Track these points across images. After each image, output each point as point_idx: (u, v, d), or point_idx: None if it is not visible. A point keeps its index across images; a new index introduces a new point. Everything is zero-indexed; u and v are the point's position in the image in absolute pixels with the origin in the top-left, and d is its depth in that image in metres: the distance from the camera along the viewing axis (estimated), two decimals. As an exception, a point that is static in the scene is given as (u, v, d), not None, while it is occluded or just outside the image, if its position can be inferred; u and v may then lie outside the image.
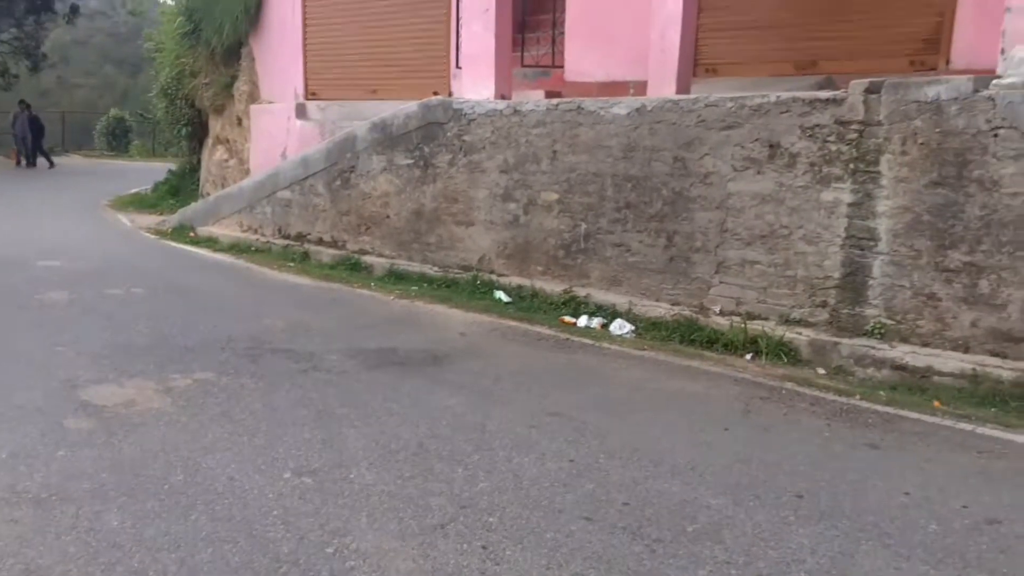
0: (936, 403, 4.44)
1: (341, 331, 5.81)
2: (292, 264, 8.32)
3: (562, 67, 8.92)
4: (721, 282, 5.77)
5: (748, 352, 5.29)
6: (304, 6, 10.79)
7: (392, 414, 4.13)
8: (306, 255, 8.51)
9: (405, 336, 5.70)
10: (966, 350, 4.75)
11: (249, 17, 11.56)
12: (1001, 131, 4.61)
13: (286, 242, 8.89)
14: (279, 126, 10.93)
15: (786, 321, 5.42)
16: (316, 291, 7.28)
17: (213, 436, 3.78)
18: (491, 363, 5.11)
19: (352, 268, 7.96)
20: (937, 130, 4.82)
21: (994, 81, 4.80)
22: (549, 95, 7.62)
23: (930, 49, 6.71)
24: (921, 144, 4.89)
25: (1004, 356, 4.61)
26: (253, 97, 11.77)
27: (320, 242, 8.63)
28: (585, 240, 6.54)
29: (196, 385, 4.49)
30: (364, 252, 8.19)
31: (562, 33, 8.92)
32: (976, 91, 4.73)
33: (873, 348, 4.97)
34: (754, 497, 3.28)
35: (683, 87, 7.02)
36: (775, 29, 7.39)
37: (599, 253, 6.46)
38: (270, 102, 11.44)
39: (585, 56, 8.61)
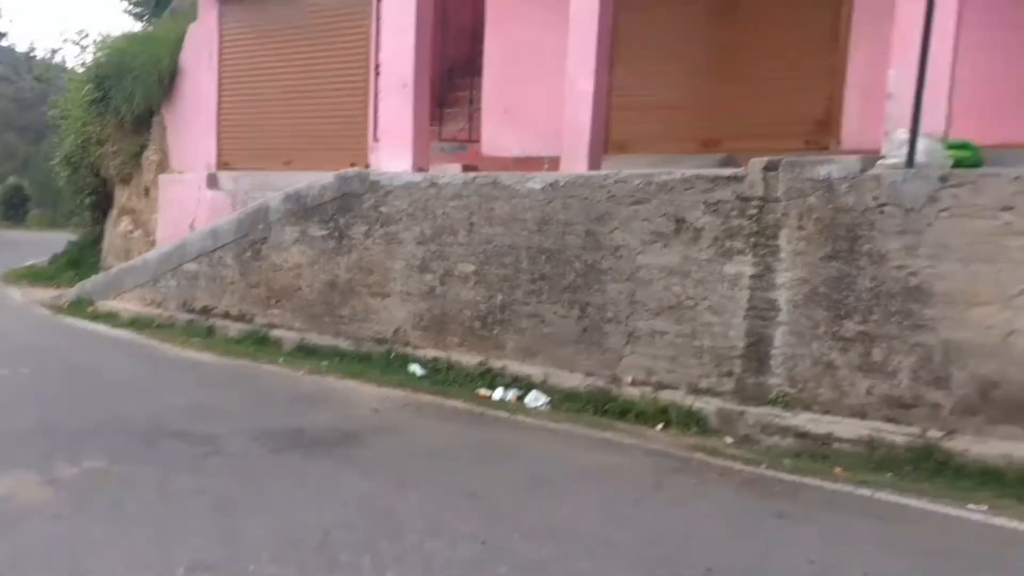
0: (838, 470, 4.57)
1: (245, 411, 5.57)
2: (197, 339, 8.02)
3: (479, 141, 9.10)
4: (632, 352, 5.86)
5: (659, 422, 5.36)
6: (220, 76, 10.71)
7: (297, 500, 3.95)
8: (212, 330, 8.22)
9: (314, 414, 5.51)
10: (863, 416, 4.94)
11: (162, 86, 11.40)
12: (886, 208, 4.93)
13: (191, 316, 8.57)
14: (189, 196, 10.67)
15: (695, 390, 5.53)
16: (221, 368, 7.00)
17: (100, 531, 3.51)
18: (404, 441, 4.99)
19: (260, 343, 7.73)
20: (830, 206, 5.11)
21: (879, 161, 5.16)
22: (466, 168, 7.72)
23: (822, 130, 7.17)
24: (816, 219, 5.16)
25: (897, 422, 4.81)
26: (163, 167, 11.50)
27: (227, 316, 8.36)
28: (501, 311, 6.56)
29: (84, 475, 4.18)
30: (273, 326, 7.98)
31: (478, 109, 9.13)
32: (863, 171, 5.07)
33: (777, 416, 5.11)
34: (666, 572, 3.26)
35: (595, 163, 7.23)
36: (681, 109, 7.77)
37: (515, 324, 6.48)
38: (180, 172, 11.19)
39: (501, 131, 8.82)
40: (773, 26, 7.27)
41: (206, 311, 8.51)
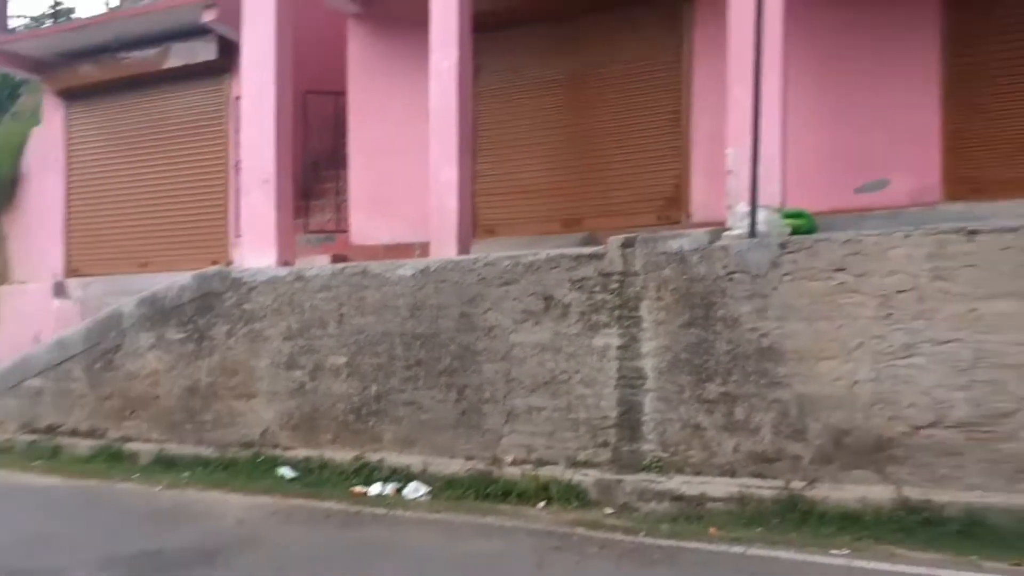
0: (712, 530, 4.62)
1: (94, 537, 5.01)
2: (39, 462, 7.25)
3: (348, 231, 9.03)
4: (512, 431, 5.80)
5: (541, 500, 5.28)
6: (68, 180, 10.24)
7: (146, 630, 3.54)
8: (57, 450, 7.50)
9: (172, 533, 5.03)
10: (732, 474, 5.06)
11: (2, 193, 10.73)
12: (735, 275, 5.22)
13: (34, 437, 7.79)
14: (34, 307, 9.97)
15: (573, 463, 5.51)
16: (67, 492, 6.33)
17: None
18: (271, 553, 4.61)
19: (113, 458, 7.10)
20: (684, 276, 5.36)
21: (725, 232, 5.51)
22: (336, 259, 7.61)
23: (673, 206, 7.62)
24: (673, 290, 5.39)
25: (763, 476, 4.97)
26: (3, 278, 10.72)
27: (75, 433, 7.65)
28: (376, 402, 6.37)
29: None
30: (129, 439, 7.37)
31: (345, 200, 9.10)
32: (712, 242, 5.38)
33: (653, 482, 5.16)
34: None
35: (464, 247, 7.31)
36: (542, 192, 8.07)
37: (391, 414, 6.30)
38: (23, 282, 10.47)
39: (370, 220, 8.80)
40: (623, 112, 7.79)
41: (51, 430, 7.77)
